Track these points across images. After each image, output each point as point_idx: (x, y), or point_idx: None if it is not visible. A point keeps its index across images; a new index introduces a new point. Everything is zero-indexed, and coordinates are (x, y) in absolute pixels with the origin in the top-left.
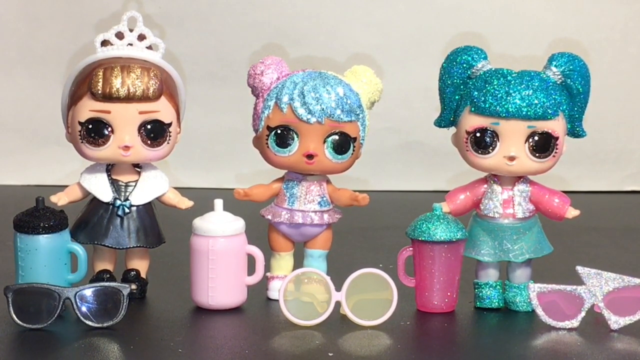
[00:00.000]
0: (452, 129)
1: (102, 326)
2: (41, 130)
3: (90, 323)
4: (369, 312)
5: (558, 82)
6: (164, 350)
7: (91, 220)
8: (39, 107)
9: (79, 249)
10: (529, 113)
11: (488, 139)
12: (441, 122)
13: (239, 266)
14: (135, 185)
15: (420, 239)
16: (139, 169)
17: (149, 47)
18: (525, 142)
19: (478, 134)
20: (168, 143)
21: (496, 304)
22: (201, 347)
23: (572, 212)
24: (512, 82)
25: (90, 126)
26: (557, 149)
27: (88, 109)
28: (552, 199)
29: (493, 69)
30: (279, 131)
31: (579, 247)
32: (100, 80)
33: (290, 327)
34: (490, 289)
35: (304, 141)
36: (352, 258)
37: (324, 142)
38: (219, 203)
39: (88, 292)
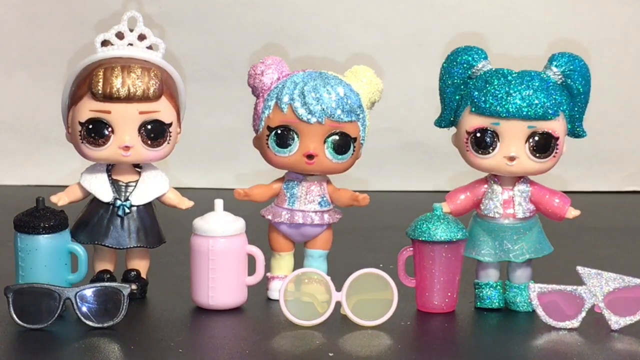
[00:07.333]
0: (453, 129)
1: (103, 326)
2: (41, 130)
3: (90, 323)
4: (370, 312)
5: (558, 82)
6: (164, 350)
7: (91, 221)
8: (39, 107)
9: (79, 249)
10: (529, 113)
11: (488, 139)
12: (441, 122)
13: (239, 266)
14: (135, 186)
15: (420, 239)
16: (139, 169)
17: (149, 47)
18: (526, 143)
19: (478, 134)
20: (168, 143)
21: (496, 304)
22: (201, 347)
23: (572, 212)
24: (513, 82)
25: (90, 126)
26: (557, 149)
27: (88, 109)
28: (553, 199)
29: (493, 69)
30: (279, 131)
31: (579, 247)
32: (101, 80)
33: (290, 327)
34: (491, 289)
35: (304, 141)
36: (353, 258)
37: (324, 142)
38: (219, 203)
39: (88, 292)
